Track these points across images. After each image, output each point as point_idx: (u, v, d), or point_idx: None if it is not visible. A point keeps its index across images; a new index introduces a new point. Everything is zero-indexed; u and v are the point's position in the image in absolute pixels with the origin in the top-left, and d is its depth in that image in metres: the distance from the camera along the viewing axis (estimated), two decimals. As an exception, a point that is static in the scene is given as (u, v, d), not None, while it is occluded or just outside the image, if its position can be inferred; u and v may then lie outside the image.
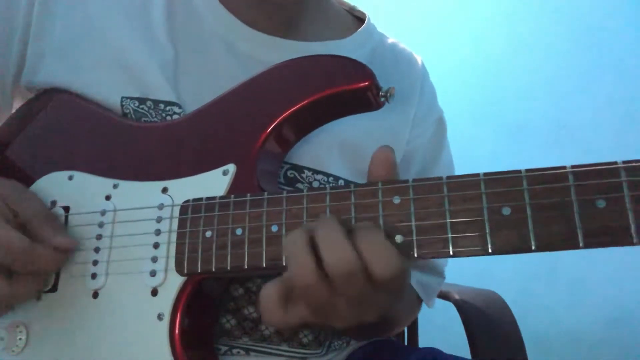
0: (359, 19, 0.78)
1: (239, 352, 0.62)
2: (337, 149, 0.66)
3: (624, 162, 0.39)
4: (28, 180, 0.62)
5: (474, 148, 1.97)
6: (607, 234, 0.39)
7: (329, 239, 0.42)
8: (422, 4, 2.21)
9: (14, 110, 0.69)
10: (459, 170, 0.81)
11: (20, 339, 0.56)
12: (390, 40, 0.79)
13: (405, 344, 1.00)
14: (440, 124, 0.78)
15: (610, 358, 1.70)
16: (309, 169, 0.64)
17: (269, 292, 0.45)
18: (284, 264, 0.47)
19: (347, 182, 0.66)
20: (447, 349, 0.75)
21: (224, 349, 0.62)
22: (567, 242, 0.40)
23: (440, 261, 0.76)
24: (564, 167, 0.41)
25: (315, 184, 0.64)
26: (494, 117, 2.04)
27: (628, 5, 1.91)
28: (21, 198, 0.55)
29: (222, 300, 0.61)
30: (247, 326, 0.62)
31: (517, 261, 1.79)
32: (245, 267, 0.49)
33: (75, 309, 0.56)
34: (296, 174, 0.64)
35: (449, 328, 0.94)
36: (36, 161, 0.63)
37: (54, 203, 0.60)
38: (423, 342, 0.87)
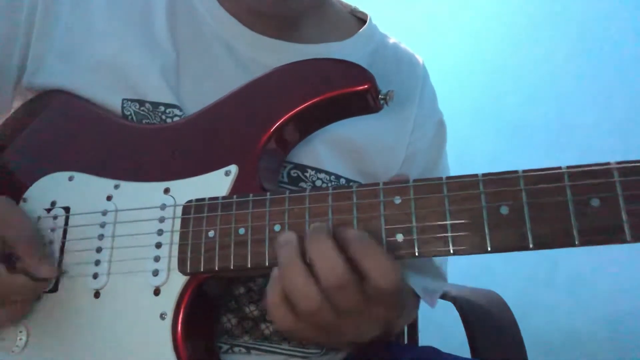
0: (361, 20, 0.78)
1: (240, 351, 0.62)
2: (338, 149, 0.67)
3: (617, 162, 0.41)
4: (27, 181, 0.62)
5: (474, 148, 1.97)
6: (601, 232, 0.40)
7: (320, 252, 0.44)
8: (422, 4, 2.21)
9: (12, 111, 0.69)
10: (459, 170, 0.81)
11: (20, 339, 0.56)
12: (391, 41, 0.79)
13: (405, 343, 1.00)
14: (440, 127, 0.78)
15: (610, 358, 1.70)
16: (312, 168, 0.65)
17: (272, 298, 0.46)
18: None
19: (349, 181, 0.67)
20: (447, 349, 0.75)
21: (225, 347, 0.62)
22: (563, 240, 0.41)
23: (442, 264, 0.77)
24: (560, 168, 0.42)
25: (318, 183, 0.65)
26: (494, 117, 2.04)
27: (628, 5, 1.91)
28: (7, 221, 0.54)
29: (223, 299, 0.61)
30: (248, 325, 0.62)
31: (517, 261, 1.79)
32: (249, 266, 0.49)
33: (76, 309, 0.56)
34: (299, 173, 0.64)
35: (449, 328, 0.94)
36: (36, 161, 0.63)
37: (54, 204, 0.60)
38: (423, 341, 0.87)
